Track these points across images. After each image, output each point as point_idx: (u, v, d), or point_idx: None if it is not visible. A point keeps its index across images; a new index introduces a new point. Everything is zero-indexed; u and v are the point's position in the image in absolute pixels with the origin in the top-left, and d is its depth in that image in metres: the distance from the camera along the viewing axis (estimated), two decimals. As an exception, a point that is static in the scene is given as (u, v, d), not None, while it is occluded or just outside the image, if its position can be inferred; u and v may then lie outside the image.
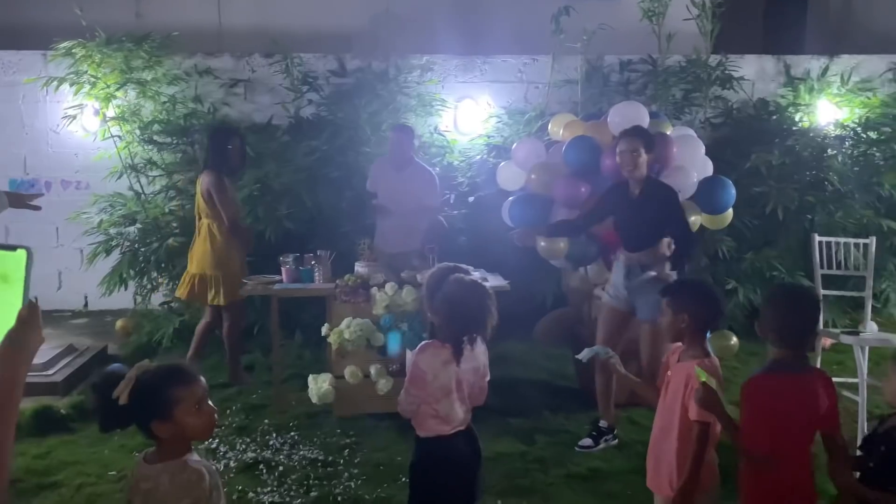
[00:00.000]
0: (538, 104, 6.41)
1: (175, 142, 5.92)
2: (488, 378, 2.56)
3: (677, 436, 2.17)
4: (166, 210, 5.62)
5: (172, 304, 5.78)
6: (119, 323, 5.81)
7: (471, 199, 5.62)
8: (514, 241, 3.89)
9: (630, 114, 4.06)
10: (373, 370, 3.96)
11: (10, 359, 1.29)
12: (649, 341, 3.60)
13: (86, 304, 6.65)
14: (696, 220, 4.18)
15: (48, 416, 4.12)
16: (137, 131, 5.85)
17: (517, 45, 6.64)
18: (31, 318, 1.31)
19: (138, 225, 5.57)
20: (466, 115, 6.38)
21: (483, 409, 2.61)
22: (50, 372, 4.59)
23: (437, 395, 2.40)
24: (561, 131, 4.40)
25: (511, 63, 6.63)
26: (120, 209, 5.75)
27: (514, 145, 4.45)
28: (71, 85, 5.63)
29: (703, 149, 4.24)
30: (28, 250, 1.31)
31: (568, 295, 4.68)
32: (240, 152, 4.66)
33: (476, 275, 2.61)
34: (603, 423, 3.88)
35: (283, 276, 4.30)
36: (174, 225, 5.70)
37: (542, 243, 4.19)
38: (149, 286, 5.83)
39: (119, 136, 5.83)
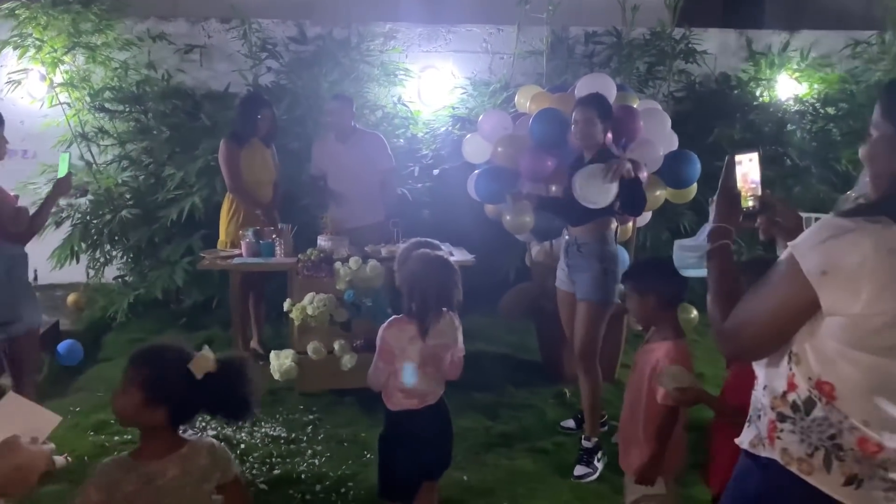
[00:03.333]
0: (503, 75, 6.34)
1: (127, 110, 5.68)
2: (463, 353, 2.55)
3: (644, 417, 2.16)
4: (119, 181, 5.40)
5: (127, 279, 5.61)
6: (70, 297, 5.62)
7: (435, 171, 5.55)
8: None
9: (597, 86, 4.01)
10: (336, 346, 3.90)
11: None
12: (584, 321, 3.38)
13: (35, 278, 6.39)
14: (660, 194, 4.19)
15: (-4, 396, 3.97)
16: (87, 98, 5.60)
17: (482, 15, 6.53)
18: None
19: (90, 196, 5.36)
20: (430, 86, 6.26)
21: (447, 383, 2.60)
22: (-3, 349, 4.41)
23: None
24: (528, 103, 4.34)
25: (476, 33, 6.52)
26: (70, 180, 5.50)
27: (481, 117, 4.38)
28: (14, 48, 5.33)
29: (668, 122, 4.23)
30: None
31: (532, 269, 4.67)
32: (268, 121, 4.52)
33: (444, 250, 2.57)
34: (588, 443, 3.44)
35: (243, 250, 4.19)
36: (128, 196, 5.51)
37: (508, 217, 4.15)
38: (102, 259, 5.64)
39: (68, 104, 5.57)
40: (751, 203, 1.68)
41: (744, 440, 1.54)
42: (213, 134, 5.30)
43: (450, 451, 2.57)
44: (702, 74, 6.54)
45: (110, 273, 5.72)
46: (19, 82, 5.41)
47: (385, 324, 2.46)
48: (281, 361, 3.86)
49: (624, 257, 3.74)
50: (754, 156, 1.70)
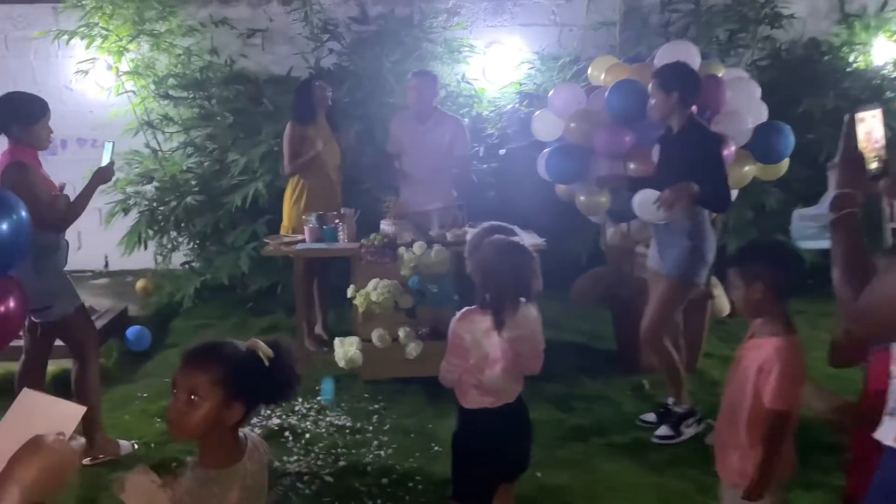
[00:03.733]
0: (572, 48, 6.03)
1: (191, 96, 5.67)
2: (543, 347, 2.33)
3: (748, 420, 1.90)
4: (184, 167, 5.40)
5: (194, 264, 5.62)
6: (139, 283, 5.67)
7: (501, 151, 5.32)
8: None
9: (678, 54, 3.70)
10: (401, 333, 3.75)
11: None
12: (659, 297, 3.27)
13: (106, 265, 6.53)
14: (748, 170, 3.85)
15: (68, 381, 4.00)
16: (152, 86, 5.61)
17: (549, -15, 6.24)
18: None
19: (155, 183, 5.37)
20: (496, 62, 6.01)
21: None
22: (70, 335, 4.47)
23: (480, 365, 2.20)
24: (602, 76, 4.05)
25: (543, 4, 6.22)
26: (136, 167, 5.55)
27: (552, 92, 4.12)
28: (82, 38, 5.38)
29: (758, 92, 3.87)
30: None
31: (606, 253, 4.40)
32: (322, 94, 4.40)
33: (521, 235, 2.36)
34: (678, 407, 3.39)
35: (306, 236, 4.08)
36: (193, 182, 5.50)
37: (582, 198, 3.91)
38: (169, 246, 5.67)
39: (133, 92, 5.60)
40: (875, 164, 1.52)
41: (885, 435, 1.40)
42: (275, 119, 5.22)
43: (528, 453, 2.37)
44: (788, 41, 6.06)
45: (178, 259, 5.75)
46: (87, 72, 5.46)
47: (457, 316, 2.26)
48: (346, 349, 3.74)
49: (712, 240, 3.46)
50: (877, 112, 1.55)
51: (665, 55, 3.77)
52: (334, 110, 4.56)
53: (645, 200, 3.29)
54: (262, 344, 1.60)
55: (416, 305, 3.76)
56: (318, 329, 4.76)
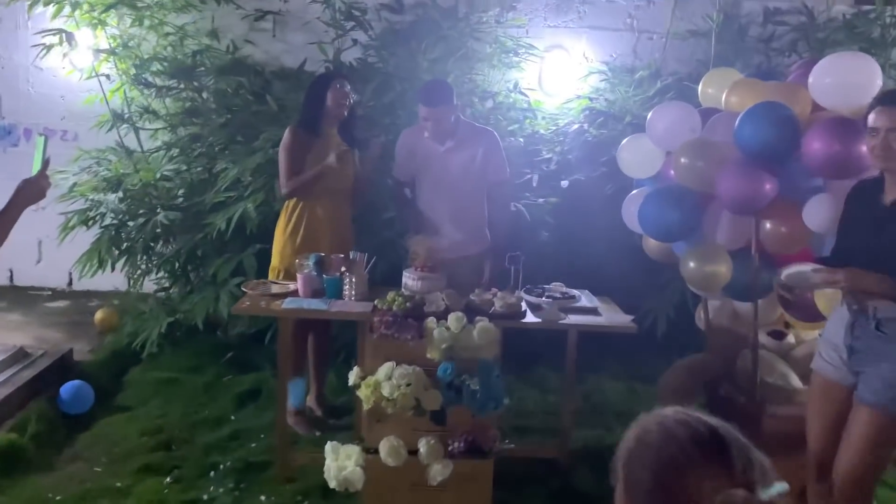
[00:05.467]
0: (651, 60, 4.90)
1: (180, 86, 4.58)
2: None
3: None
4: (157, 175, 4.28)
5: (170, 293, 4.50)
6: (98, 314, 4.57)
7: (564, 182, 4.16)
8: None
9: (852, 69, 2.56)
10: (423, 446, 2.59)
11: None
12: (867, 437, 2.17)
13: (70, 283, 5.44)
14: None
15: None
16: (133, 70, 4.53)
17: (628, -18, 5.10)
18: None
19: (119, 194, 4.27)
20: (556, 70, 4.86)
21: None
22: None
23: None
24: (724, 96, 2.90)
25: (619, 5, 5.07)
26: (105, 170, 4.45)
27: (652, 113, 2.96)
28: (46, 5, 4.30)
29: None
30: None
31: (708, 335, 3.23)
32: (343, 98, 3.31)
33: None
34: None
35: (299, 287, 2.95)
36: (171, 194, 4.39)
37: (691, 264, 2.75)
38: (142, 267, 4.56)
39: (107, 76, 4.52)
40: None
41: None
42: (279, 121, 4.10)
43: None
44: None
45: (152, 285, 4.64)
46: (51, 46, 4.37)
47: None
48: (340, 463, 2.59)
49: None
50: None
51: (828, 69, 2.61)
52: (353, 119, 3.44)
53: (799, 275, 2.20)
54: None
55: (446, 406, 2.60)
56: (311, 401, 3.63)
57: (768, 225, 2.69)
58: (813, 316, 2.84)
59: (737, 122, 2.65)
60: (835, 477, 2.28)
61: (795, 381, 2.85)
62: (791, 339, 3.06)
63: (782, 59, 4.94)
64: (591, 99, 4.61)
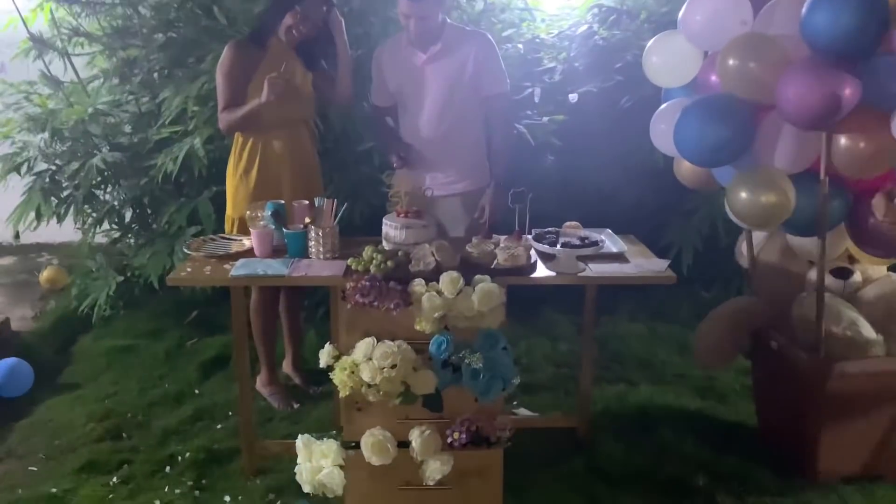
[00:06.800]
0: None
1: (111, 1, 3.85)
2: None
3: None
4: (90, 110, 3.61)
5: (120, 247, 3.93)
6: (45, 273, 4.02)
7: (572, 95, 3.51)
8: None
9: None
10: (415, 439, 2.08)
11: None
12: None
13: (17, 236, 4.83)
14: None
15: None
16: (55, -16, 3.79)
17: None
18: None
19: (45, 134, 3.63)
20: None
21: None
22: None
23: None
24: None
25: None
26: (32, 105, 3.79)
27: (688, 2, 2.31)
28: None
29: None
30: None
31: (752, 276, 2.69)
32: (303, 16, 2.63)
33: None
34: None
35: (254, 244, 2.38)
36: (122, 130, 3.74)
37: (744, 194, 2.17)
38: (93, 216, 3.95)
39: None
40: None
41: None
42: (229, 40, 3.41)
43: None
44: None
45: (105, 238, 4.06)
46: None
47: None
48: (316, 462, 2.09)
49: None
50: None
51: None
52: (319, 36, 2.76)
53: None
54: None
55: (441, 389, 2.08)
56: (287, 367, 3.13)
57: (843, 141, 2.11)
58: (891, 248, 2.30)
59: (805, 8, 2.02)
60: None
61: (868, 331, 2.33)
62: (858, 277, 2.52)
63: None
64: (599, -6, 3.89)
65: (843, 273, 2.49)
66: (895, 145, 2.02)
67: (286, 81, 2.54)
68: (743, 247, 2.75)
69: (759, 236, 2.69)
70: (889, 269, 2.60)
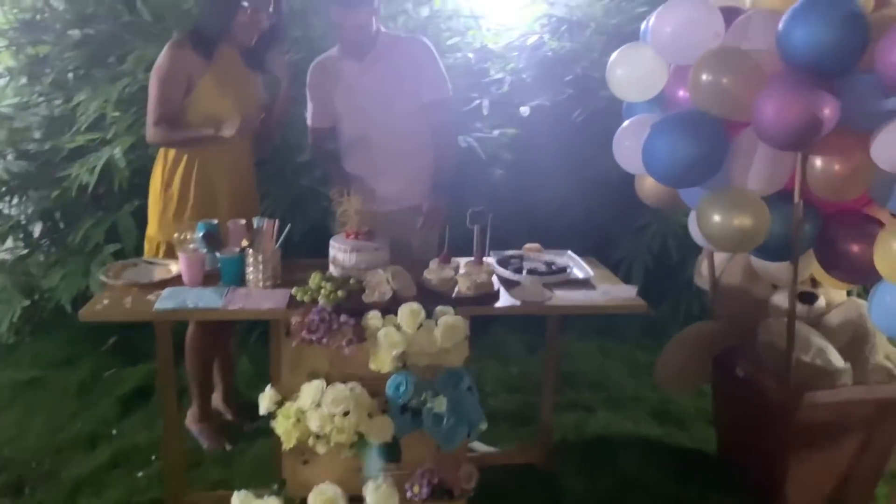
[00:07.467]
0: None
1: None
2: None
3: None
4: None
5: (28, 265, 3.53)
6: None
7: (523, 109, 3.36)
8: None
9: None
10: (369, 493, 1.86)
11: None
12: None
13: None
14: None
15: None
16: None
17: None
18: None
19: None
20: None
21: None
22: None
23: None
24: (753, -12, 2.16)
25: None
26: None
27: (655, 14, 2.18)
28: None
29: None
30: None
31: (714, 299, 2.59)
32: (251, 21, 2.36)
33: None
34: None
35: (182, 269, 2.11)
36: (31, 136, 3.36)
37: (716, 217, 2.05)
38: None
39: None
40: None
41: None
42: (154, 37, 3.12)
43: None
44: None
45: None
46: None
47: None
48: (254, 521, 1.84)
49: None
50: None
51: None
52: (270, 41, 2.51)
53: None
54: None
55: (400, 437, 1.87)
56: (216, 401, 2.84)
57: (819, 163, 2.02)
58: (862, 274, 2.23)
59: (782, 23, 1.92)
60: None
61: (836, 359, 2.26)
62: (822, 302, 2.46)
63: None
64: (550, 3, 3.77)
65: (808, 297, 2.43)
66: (872, 167, 1.94)
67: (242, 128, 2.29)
68: (703, 267, 2.66)
69: (720, 257, 2.60)
70: (848, 293, 2.56)
